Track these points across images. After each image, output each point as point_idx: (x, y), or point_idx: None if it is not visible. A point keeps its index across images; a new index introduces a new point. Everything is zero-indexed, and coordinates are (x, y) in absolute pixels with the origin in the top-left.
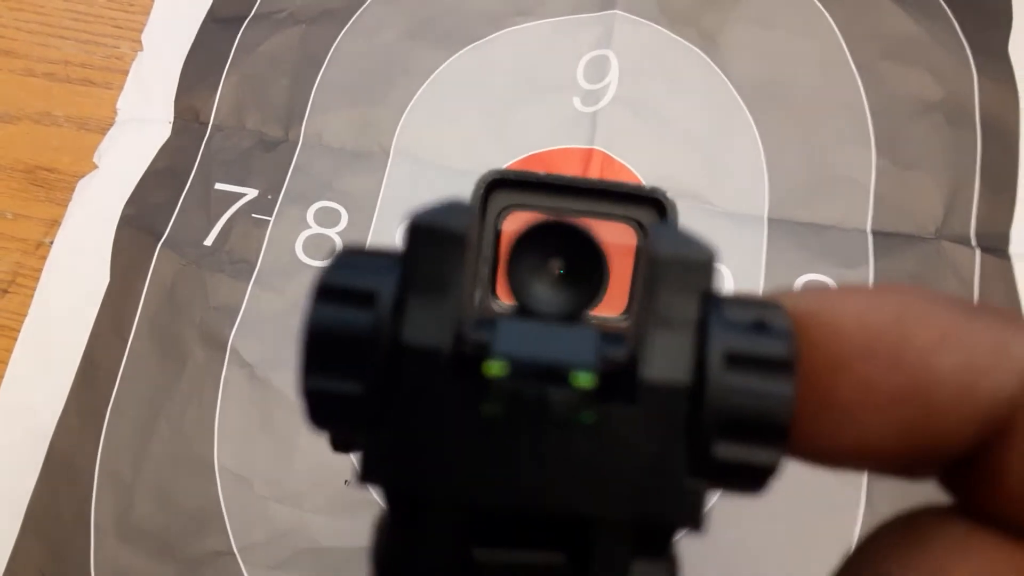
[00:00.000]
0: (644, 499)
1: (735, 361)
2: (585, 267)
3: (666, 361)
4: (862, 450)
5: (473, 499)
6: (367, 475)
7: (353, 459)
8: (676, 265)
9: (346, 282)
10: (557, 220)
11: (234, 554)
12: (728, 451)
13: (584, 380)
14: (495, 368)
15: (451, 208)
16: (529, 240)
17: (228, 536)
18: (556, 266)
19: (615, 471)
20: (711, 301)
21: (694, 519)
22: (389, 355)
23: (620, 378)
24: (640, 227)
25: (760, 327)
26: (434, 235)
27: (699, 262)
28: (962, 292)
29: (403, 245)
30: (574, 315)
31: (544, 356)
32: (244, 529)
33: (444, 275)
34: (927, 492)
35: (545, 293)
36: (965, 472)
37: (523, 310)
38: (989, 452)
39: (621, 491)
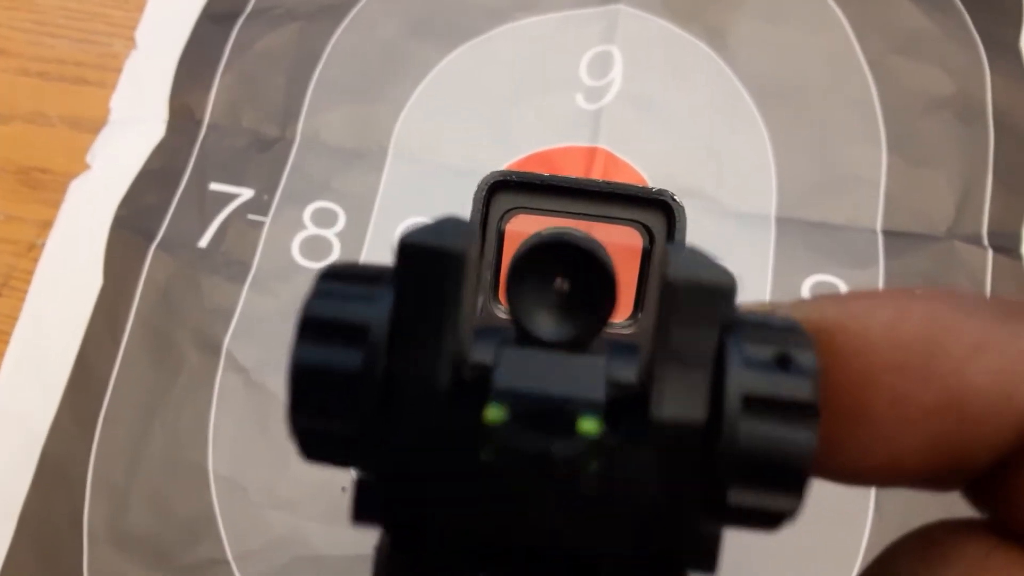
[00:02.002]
0: (655, 540)
1: (754, 404)
2: (593, 289)
3: (679, 399)
4: (891, 467)
5: (472, 540)
6: (360, 515)
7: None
8: (692, 292)
9: (333, 314)
10: (559, 237)
11: (229, 562)
12: (744, 497)
13: (589, 427)
14: (494, 414)
15: (447, 225)
16: (531, 260)
17: (223, 543)
18: (561, 288)
19: (623, 511)
20: (730, 332)
21: (708, 563)
22: (383, 390)
23: (630, 410)
24: (647, 230)
25: (783, 362)
26: (429, 256)
27: (717, 289)
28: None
29: (395, 268)
30: (582, 342)
31: (546, 394)
32: (239, 536)
33: (441, 301)
34: (939, 500)
35: (549, 320)
36: (991, 484)
37: (527, 337)
38: (1019, 464)
39: (630, 532)
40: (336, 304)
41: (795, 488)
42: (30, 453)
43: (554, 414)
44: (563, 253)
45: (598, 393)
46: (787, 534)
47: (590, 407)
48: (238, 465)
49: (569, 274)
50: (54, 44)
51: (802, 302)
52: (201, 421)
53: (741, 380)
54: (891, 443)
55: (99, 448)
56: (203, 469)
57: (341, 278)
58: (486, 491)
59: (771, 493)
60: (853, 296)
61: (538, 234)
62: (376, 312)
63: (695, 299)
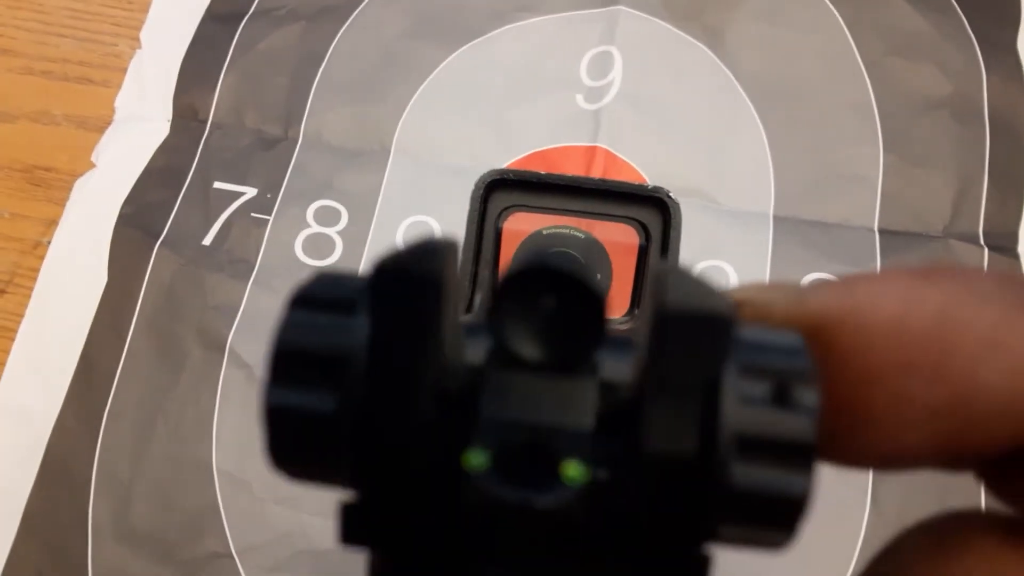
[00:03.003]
0: (643, 570)
1: (748, 444)
2: (581, 314)
3: (670, 432)
4: (893, 457)
5: (459, 571)
6: (347, 538)
7: None
8: (688, 321)
9: (306, 347)
10: (547, 263)
11: (232, 556)
12: (735, 533)
13: (575, 473)
14: (475, 459)
15: (423, 248)
16: (515, 285)
17: (226, 538)
18: (546, 311)
19: (611, 543)
20: (726, 358)
21: None
22: (363, 424)
23: (620, 422)
24: (643, 227)
25: (781, 397)
26: (406, 285)
27: (715, 317)
28: None
29: (371, 296)
30: (569, 365)
31: (532, 426)
32: (242, 531)
33: (421, 331)
34: (936, 494)
35: (536, 342)
36: (1006, 469)
37: (513, 360)
38: None
39: (618, 563)
40: (308, 336)
41: (788, 526)
42: (35, 449)
43: (538, 458)
44: (548, 278)
45: (586, 420)
46: None
47: (576, 443)
48: (241, 461)
49: (556, 299)
50: (59, 44)
51: (805, 290)
52: (205, 417)
53: (736, 418)
54: (894, 439)
55: (103, 444)
56: (207, 465)
57: (313, 306)
58: (468, 530)
59: (763, 530)
60: (859, 283)
61: (525, 256)
62: (351, 343)
63: (690, 330)
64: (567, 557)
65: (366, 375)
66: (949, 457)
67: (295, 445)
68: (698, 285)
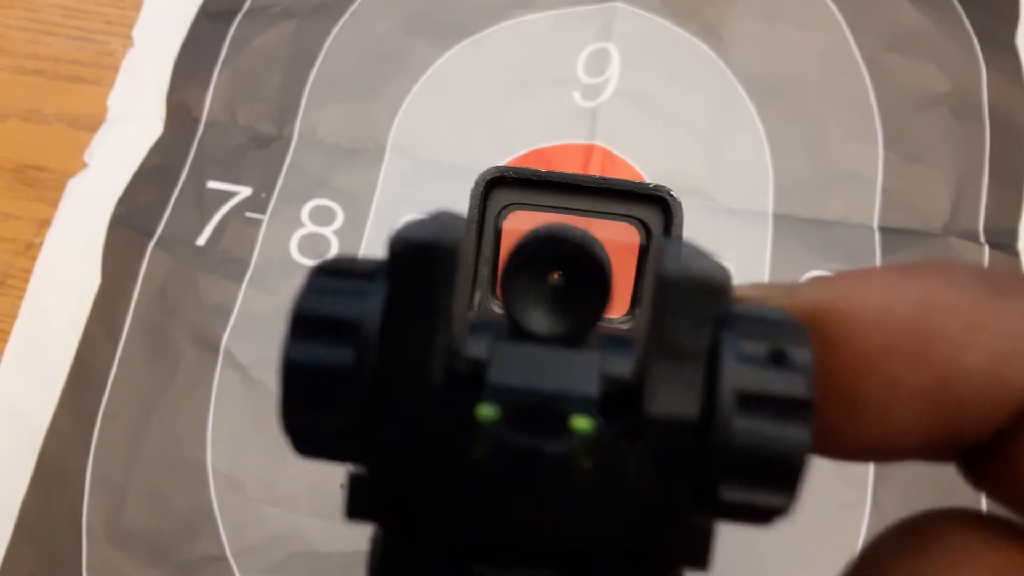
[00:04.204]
0: (647, 536)
1: (748, 401)
2: (587, 283)
3: (673, 395)
4: (883, 445)
5: (465, 534)
6: (353, 511)
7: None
8: (687, 287)
9: (325, 310)
10: (555, 232)
11: (227, 558)
12: (736, 494)
13: (582, 424)
14: (486, 412)
15: (440, 220)
16: (524, 254)
17: (221, 540)
18: (555, 282)
19: (616, 506)
20: (724, 327)
21: (700, 559)
22: (375, 386)
23: (624, 399)
24: (644, 226)
25: (778, 358)
26: (422, 252)
27: (713, 284)
28: None
29: (387, 263)
30: (576, 337)
31: (540, 390)
32: (237, 533)
33: (433, 297)
34: (937, 493)
35: (543, 314)
36: (987, 458)
37: (520, 332)
38: (1016, 440)
39: (623, 527)
40: (327, 300)
41: (788, 485)
42: (29, 451)
43: (547, 412)
44: (558, 248)
45: (591, 388)
46: (784, 529)
47: (583, 404)
48: (236, 462)
49: (563, 269)
50: (51, 42)
51: (796, 286)
52: (199, 418)
53: (735, 376)
54: (883, 425)
55: (98, 446)
56: (201, 466)
57: (333, 274)
58: (478, 486)
59: (764, 490)
60: (845, 277)
61: (533, 230)
62: (368, 308)
63: (689, 295)
64: (574, 513)
65: (381, 335)
66: (937, 444)
67: (310, 402)
68: (696, 253)
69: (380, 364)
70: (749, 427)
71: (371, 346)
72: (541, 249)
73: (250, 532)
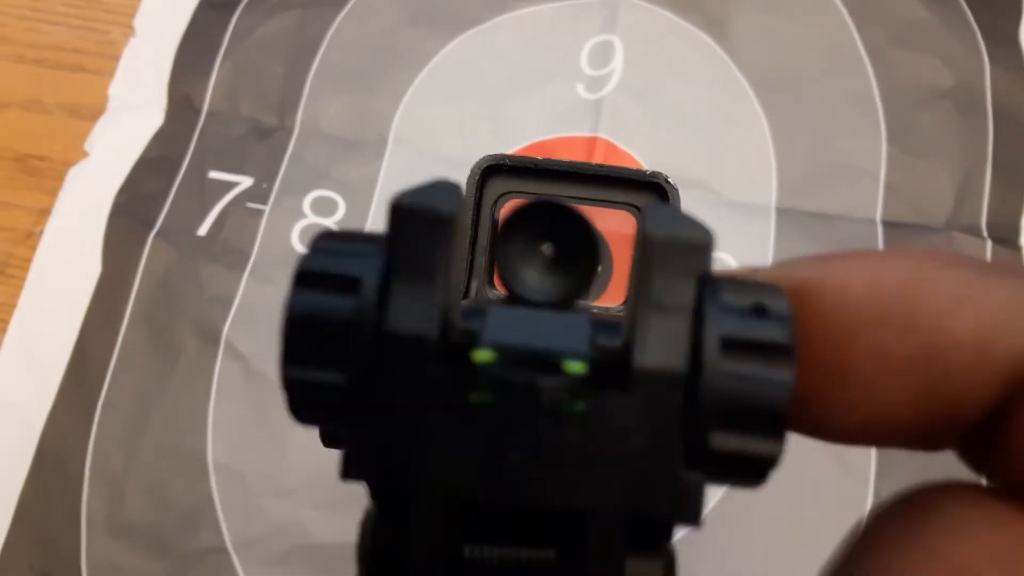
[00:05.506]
0: (639, 492)
1: (732, 347)
2: (577, 251)
3: (661, 347)
4: (877, 421)
5: (461, 493)
6: (349, 471)
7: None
8: (671, 247)
9: (327, 268)
10: (546, 201)
11: (228, 550)
12: (726, 441)
13: (575, 367)
14: (483, 355)
15: (438, 188)
16: (517, 224)
17: (222, 532)
18: (546, 251)
19: (608, 463)
20: (707, 284)
21: (692, 514)
22: (373, 343)
23: (614, 367)
24: (641, 214)
25: (759, 311)
26: (420, 217)
27: (695, 243)
28: None
29: (387, 227)
30: (566, 302)
31: (534, 343)
32: (238, 525)
33: (431, 260)
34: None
35: (535, 280)
36: (983, 441)
37: (514, 298)
38: (1008, 418)
39: (615, 484)
40: (330, 259)
41: (776, 429)
42: (28, 442)
43: (541, 355)
44: (548, 216)
45: (582, 343)
46: (786, 521)
47: (575, 354)
48: (237, 454)
49: (554, 236)
50: (52, 31)
51: (782, 263)
52: (200, 410)
53: (719, 325)
54: (874, 397)
55: (97, 437)
56: (202, 458)
57: (336, 238)
58: (474, 438)
59: (752, 436)
60: (832, 255)
61: (526, 202)
62: (368, 267)
63: (673, 253)
64: (566, 468)
65: (379, 293)
66: (929, 421)
67: (311, 353)
68: (678, 215)
69: (377, 321)
70: (734, 371)
71: (370, 302)
72: (531, 217)
73: (251, 524)
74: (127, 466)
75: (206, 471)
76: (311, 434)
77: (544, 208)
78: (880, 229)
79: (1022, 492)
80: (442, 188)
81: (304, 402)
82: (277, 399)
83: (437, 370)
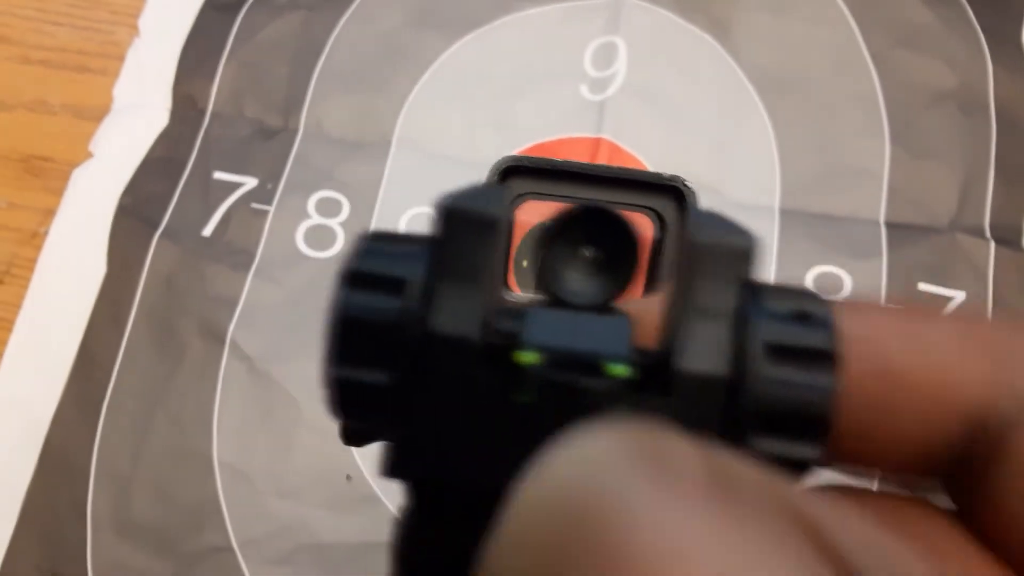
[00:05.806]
0: None
1: (776, 352)
2: (619, 254)
3: (703, 351)
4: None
5: (502, 491)
6: (391, 469)
7: (356, 453)
8: (715, 252)
9: (373, 269)
10: (591, 206)
11: (233, 550)
12: (767, 445)
13: (618, 370)
14: (528, 357)
15: (485, 192)
16: (562, 227)
17: (227, 531)
18: (589, 254)
19: None
20: (751, 290)
21: None
22: (418, 344)
23: (655, 369)
24: (658, 217)
25: (802, 317)
26: (468, 220)
27: (739, 249)
28: (976, 285)
29: (435, 229)
30: (606, 304)
31: (577, 346)
32: (243, 524)
33: (476, 262)
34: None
35: (577, 282)
36: (965, 485)
37: (554, 300)
38: (984, 467)
39: None
40: (375, 260)
41: (818, 433)
42: (33, 441)
43: (584, 358)
44: (594, 220)
45: (623, 347)
46: None
47: (618, 357)
48: (242, 453)
49: (598, 240)
50: (56, 32)
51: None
52: (205, 409)
53: (764, 330)
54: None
55: (103, 436)
56: (207, 457)
57: (380, 239)
58: (516, 438)
59: (794, 439)
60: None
61: (568, 207)
62: (413, 269)
63: (718, 258)
64: None
65: (423, 294)
66: (897, 461)
67: (358, 352)
68: (721, 221)
69: (422, 322)
70: (778, 375)
71: (416, 305)
72: (577, 222)
73: (256, 523)
74: (133, 465)
75: (211, 470)
76: (316, 434)
77: (589, 212)
78: (883, 230)
79: (997, 544)
80: (488, 191)
81: (348, 400)
82: (282, 399)
83: (480, 371)
